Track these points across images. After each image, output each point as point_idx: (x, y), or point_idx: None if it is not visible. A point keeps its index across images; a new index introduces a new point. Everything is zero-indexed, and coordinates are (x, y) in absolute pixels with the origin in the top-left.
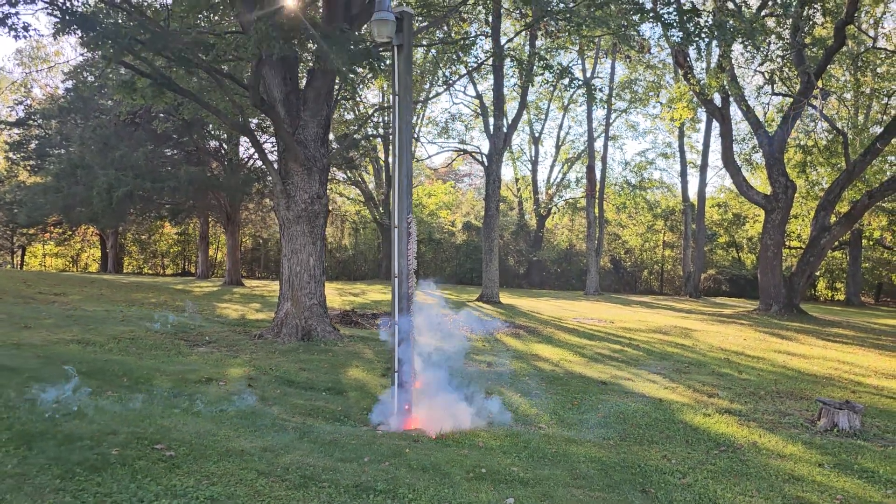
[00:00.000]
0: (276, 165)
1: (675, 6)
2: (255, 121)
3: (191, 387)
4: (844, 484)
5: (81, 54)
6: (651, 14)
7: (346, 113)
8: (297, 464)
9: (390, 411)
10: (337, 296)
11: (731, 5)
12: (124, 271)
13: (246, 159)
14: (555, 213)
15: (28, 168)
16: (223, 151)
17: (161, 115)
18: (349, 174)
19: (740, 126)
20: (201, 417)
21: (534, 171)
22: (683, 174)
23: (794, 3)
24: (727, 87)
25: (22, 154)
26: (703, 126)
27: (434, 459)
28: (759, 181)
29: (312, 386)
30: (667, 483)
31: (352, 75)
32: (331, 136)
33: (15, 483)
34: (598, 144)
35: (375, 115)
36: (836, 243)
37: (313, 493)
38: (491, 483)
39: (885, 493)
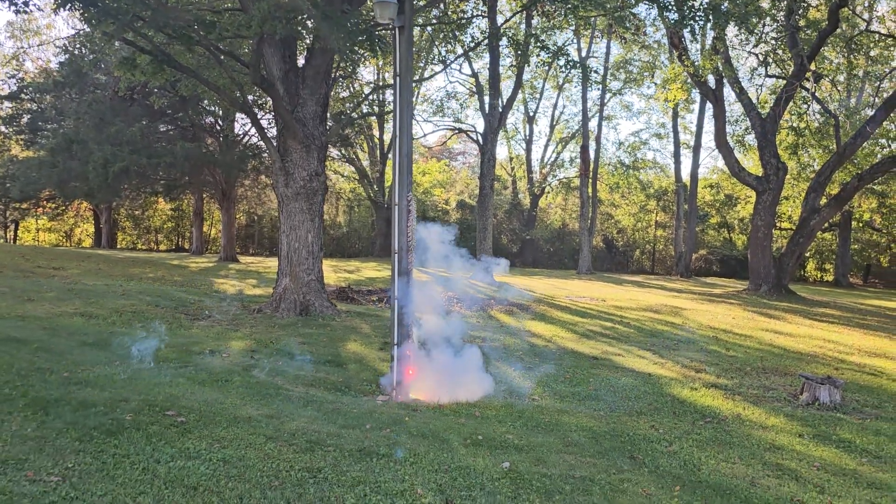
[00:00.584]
0: (274, 143)
1: None
2: (251, 97)
3: (195, 358)
4: (823, 453)
5: (74, 28)
6: None
7: (341, 91)
8: (303, 430)
9: (390, 383)
10: (332, 272)
11: None
12: (118, 246)
13: (241, 135)
14: (548, 192)
15: (21, 142)
16: (218, 127)
17: (156, 90)
18: (344, 152)
19: (733, 108)
20: (207, 386)
21: (528, 151)
22: (676, 155)
23: None
24: (721, 69)
25: (14, 128)
26: (696, 107)
27: (433, 427)
28: (752, 163)
29: (313, 358)
30: (654, 450)
31: (351, 55)
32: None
33: (36, 445)
34: (593, 124)
35: (371, 93)
36: (826, 225)
37: (320, 456)
38: (487, 449)
39: (860, 462)
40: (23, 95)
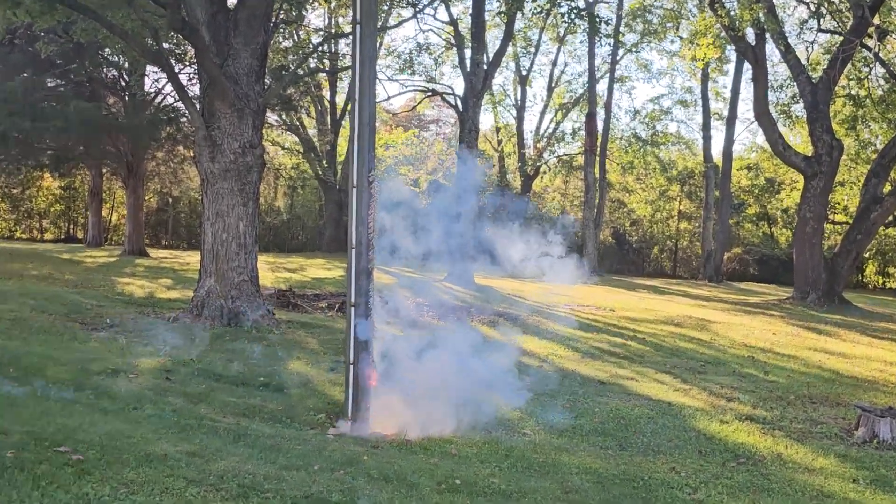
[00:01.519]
0: (197, 105)
1: None
2: (167, 45)
3: (94, 379)
4: (882, 503)
5: None
6: None
7: (283, 40)
8: (234, 471)
9: (343, 412)
10: (269, 271)
11: None
12: None
13: (153, 94)
14: (544, 172)
15: None
16: (123, 83)
17: (43, 34)
18: (286, 117)
19: (778, 70)
20: (111, 416)
21: (519, 119)
22: (706, 128)
23: None
24: (763, 21)
25: None
26: (731, 69)
27: (398, 468)
28: (799, 139)
29: (245, 381)
30: (674, 498)
31: None
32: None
33: None
34: (602, 87)
35: (321, 44)
36: (890, 218)
37: None
38: (467, 496)
39: None
40: None
